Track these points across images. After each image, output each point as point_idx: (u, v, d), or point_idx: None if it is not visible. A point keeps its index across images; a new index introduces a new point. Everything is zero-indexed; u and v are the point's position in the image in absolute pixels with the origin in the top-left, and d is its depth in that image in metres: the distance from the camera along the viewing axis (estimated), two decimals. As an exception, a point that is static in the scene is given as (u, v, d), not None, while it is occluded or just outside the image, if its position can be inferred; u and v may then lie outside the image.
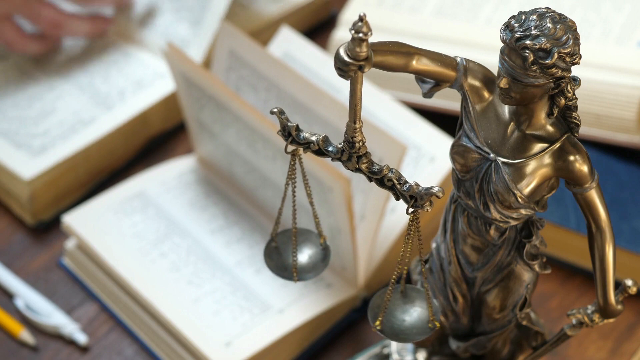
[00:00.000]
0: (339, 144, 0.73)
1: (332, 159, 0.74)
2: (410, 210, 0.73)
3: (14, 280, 1.07)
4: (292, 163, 0.77)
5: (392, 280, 0.77)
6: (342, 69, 0.68)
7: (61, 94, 1.18)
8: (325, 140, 0.74)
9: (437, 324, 0.77)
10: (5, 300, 1.07)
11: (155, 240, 1.06)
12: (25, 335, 1.04)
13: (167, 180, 1.12)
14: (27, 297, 1.06)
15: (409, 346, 0.92)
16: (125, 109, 1.16)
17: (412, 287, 0.79)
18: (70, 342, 1.04)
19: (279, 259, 0.82)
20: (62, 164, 1.12)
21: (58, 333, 1.04)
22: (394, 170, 0.73)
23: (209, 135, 1.10)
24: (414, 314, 0.78)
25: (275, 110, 0.74)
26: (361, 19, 0.65)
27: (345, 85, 0.94)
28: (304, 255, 0.82)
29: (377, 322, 0.77)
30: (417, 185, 0.72)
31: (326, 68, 1.11)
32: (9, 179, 1.12)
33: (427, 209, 0.72)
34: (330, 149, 0.74)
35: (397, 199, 0.73)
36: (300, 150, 0.75)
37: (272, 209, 1.07)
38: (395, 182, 0.73)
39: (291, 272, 0.82)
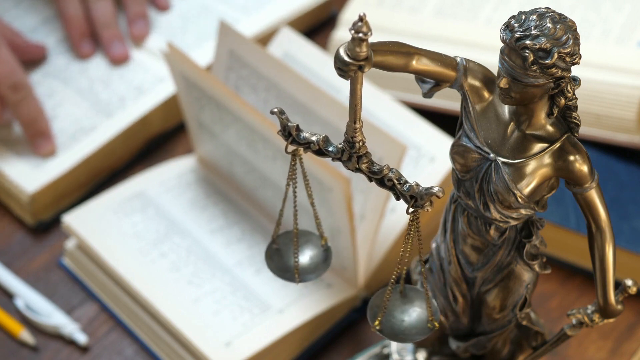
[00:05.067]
0: (339, 144, 0.73)
1: (333, 159, 0.74)
2: (411, 210, 0.73)
3: (14, 280, 1.07)
4: (292, 163, 0.77)
5: (392, 281, 0.77)
6: (342, 69, 0.68)
7: (61, 101, 1.17)
8: (326, 140, 0.74)
9: (437, 324, 0.77)
10: (5, 300, 1.07)
11: (155, 240, 1.06)
12: (25, 335, 1.04)
13: (167, 180, 1.12)
14: (27, 297, 1.06)
15: (409, 346, 0.92)
16: (125, 116, 1.16)
17: (411, 288, 0.79)
18: (70, 342, 1.04)
19: (280, 261, 0.82)
20: (63, 172, 1.12)
21: (58, 333, 1.04)
22: (394, 170, 0.73)
23: (209, 135, 1.10)
24: (413, 314, 0.78)
25: (276, 110, 0.74)
26: (361, 19, 0.65)
27: (345, 85, 0.94)
28: (305, 257, 0.82)
29: (377, 322, 0.77)
30: (417, 185, 0.72)
31: (326, 68, 1.11)
32: (11, 187, 1.11)
33: (428, 209, 0.72)
34: (330, 149, 0.74)
35: (398, 199, 0.73)
36: (301, 150, 0.75)
37: (272, 209, 1.07)
38: (396, 182, 0.73)
39: (293, 274, 0.82)
